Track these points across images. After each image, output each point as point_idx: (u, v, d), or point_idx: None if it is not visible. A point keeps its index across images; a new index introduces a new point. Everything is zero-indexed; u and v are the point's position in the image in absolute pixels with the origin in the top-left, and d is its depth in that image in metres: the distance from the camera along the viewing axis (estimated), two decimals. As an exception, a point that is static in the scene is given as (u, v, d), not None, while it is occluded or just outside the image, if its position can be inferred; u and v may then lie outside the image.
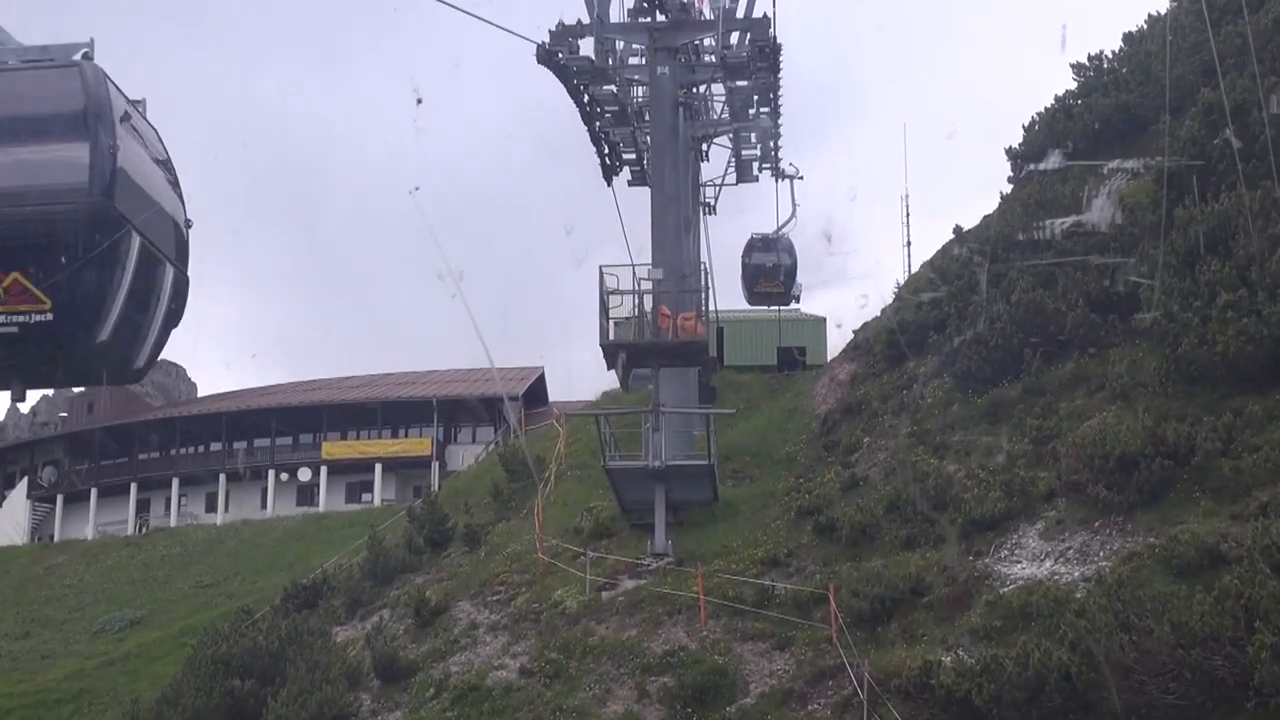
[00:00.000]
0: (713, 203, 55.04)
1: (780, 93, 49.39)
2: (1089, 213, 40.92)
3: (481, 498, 52.24)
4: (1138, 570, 29.02)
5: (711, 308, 64.02)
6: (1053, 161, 47.54)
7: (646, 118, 47.86)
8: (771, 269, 50.32)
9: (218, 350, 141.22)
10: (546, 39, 43.43)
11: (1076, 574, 30.49)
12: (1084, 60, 49.89)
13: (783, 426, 46.10)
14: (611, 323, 38.61)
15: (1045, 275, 39.89)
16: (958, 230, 48.52)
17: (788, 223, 50.40)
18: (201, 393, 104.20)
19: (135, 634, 62.45)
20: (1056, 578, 30.60)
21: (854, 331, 49.08)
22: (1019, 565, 31.83)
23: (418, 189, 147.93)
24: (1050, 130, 48.60)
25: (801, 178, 50.21)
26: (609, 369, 43.84)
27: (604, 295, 38.43)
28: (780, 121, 52.14)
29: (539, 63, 44.15)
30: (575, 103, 48.19)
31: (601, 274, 38.76)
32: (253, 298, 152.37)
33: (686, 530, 40.15)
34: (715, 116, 51.23)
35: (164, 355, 12.48)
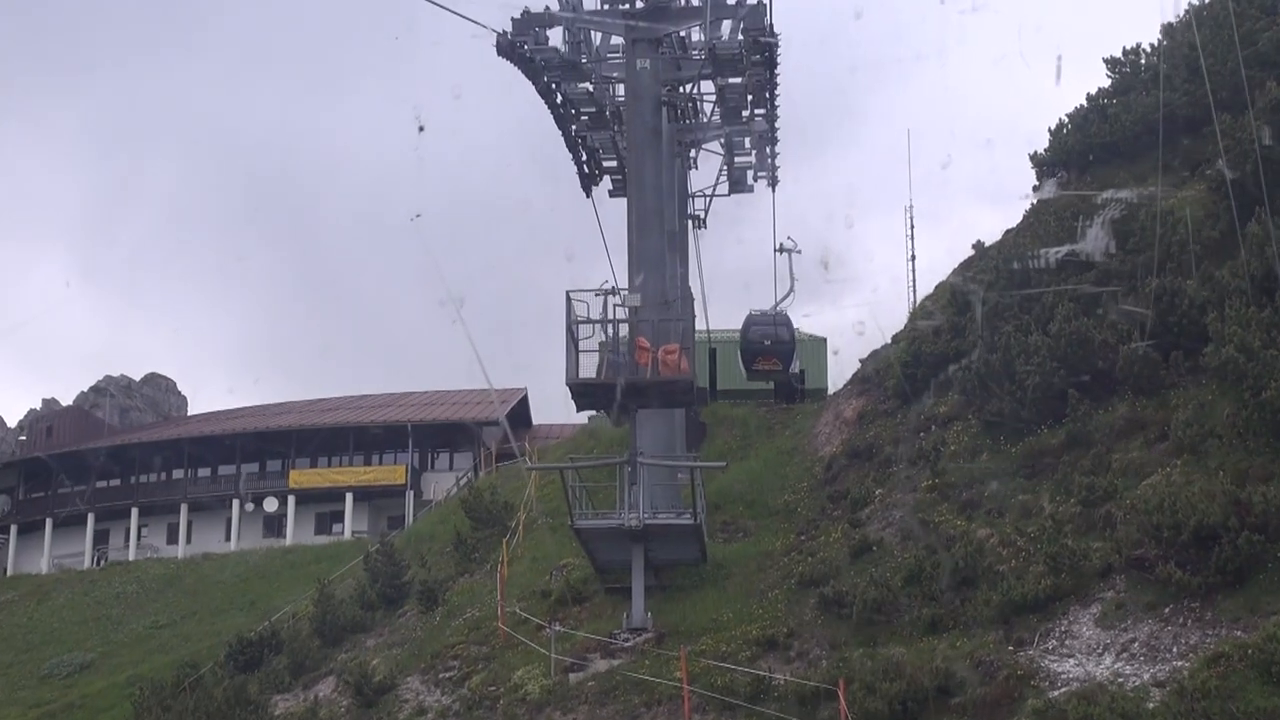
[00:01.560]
0: (702, 215, 48.45)
1: (778, 92, 42.99)
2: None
3: (443, 545, 45.87)
4: (1226, 676, 22.62)
5: (702, 327, 58.57)
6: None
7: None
8: (770, 347, 45.60)
9: (218, 370, 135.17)
10: (509, 28, 37.12)
11: (1146, 676, 24.03)
12: (1118, 55, 43.54)
13: (781, 470, 39.62)
14: (581, 357, 32.33)
15: (1088, 301, 33.48)
16: (979, 246, 42.11)
17: (786, 298, 46.32)
18: (193, 408, 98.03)
19: (83, 680, 57.00)
20: (1121, 680, 24.13)
21: (860, 361, 42.65)
22: (1071, 661, 25.38)
23: (419, 216, 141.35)
24: (1082, 133, 42.22)
25: (799, 251, 46.85)
26: (579, 411, 37.54)
27: (571, 325, 32.07)
28: (777, 125, 45.69)
29: (500, 54, 37.78)
30: (546, 103, 41.77)
31: (569, 300, 32.37)
32: (254, 317, 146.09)
33: (670, 597, 33.77)
34: (704, 119, 44.67)
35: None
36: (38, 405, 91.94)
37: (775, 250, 46.46)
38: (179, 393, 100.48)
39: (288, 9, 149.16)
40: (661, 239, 37.75)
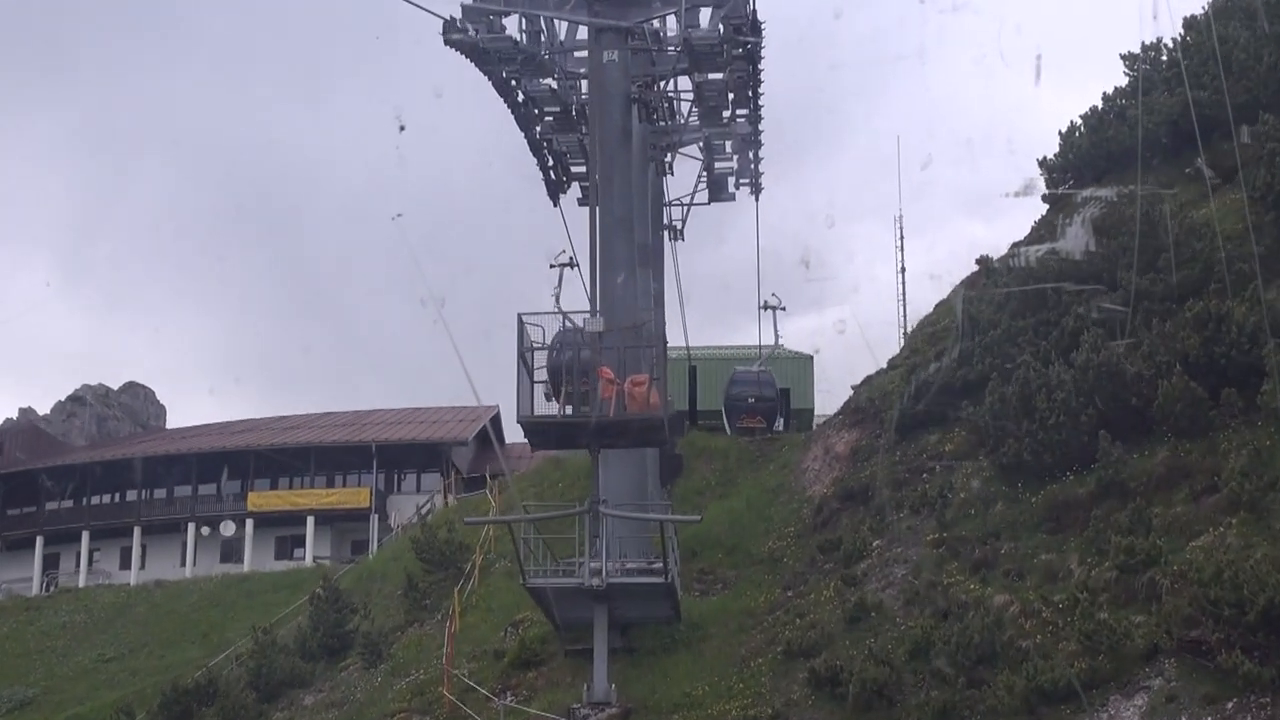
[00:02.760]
0: (680, 226, 43.62)
1: (761, 90, 38.28)
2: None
3: (396, 586, 40.97)
4: (1313, 797, 17.95)
5: (680, 343, 53.89)
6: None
7: (600, 121, 36.56)
8: (754, 405, 44.30)
9: (198, 373, 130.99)
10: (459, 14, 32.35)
11: (1209, 791, 19.38)
12: (1136, 50, 38.88)
13: (765, 511, 34.85)
14: (537, 389, 27.56)
15: (1116, 322, 28.75)
16: (984, 261, 37.40)
17: (770, 352, 45.05)
18: (173, 413, 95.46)
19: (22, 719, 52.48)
20: (1178, 795, 19.48)
21: (852, 389, 37.82)
22: (1114, 765, 20.71)
23: (400, 215, 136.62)
24: (1097, 137, 37.51)
25: (784, 308, 45.68)
26: (534, 450, 32.77)
27: (524, 353, 27.27)
28: (761, 128, 40.96)
29: (447, 43, 33.00)
30: (506, 102, 37.00)
31: (521, 324, 27.58)
32: (234, 321, 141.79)
33: (638, 662, 28.95)
34: (681, 120, 39.87)
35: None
36: (14, 415, 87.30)
37: (759, 307, 44.83)
38: (157, 402, 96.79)
39: (269, 10, 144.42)
40: (631, 252, 33.00)
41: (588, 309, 28.31)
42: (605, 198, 32.51)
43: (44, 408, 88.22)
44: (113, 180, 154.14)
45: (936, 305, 37.93)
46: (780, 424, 45.52)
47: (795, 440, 39.43)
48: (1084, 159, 38.25)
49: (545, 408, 27.28)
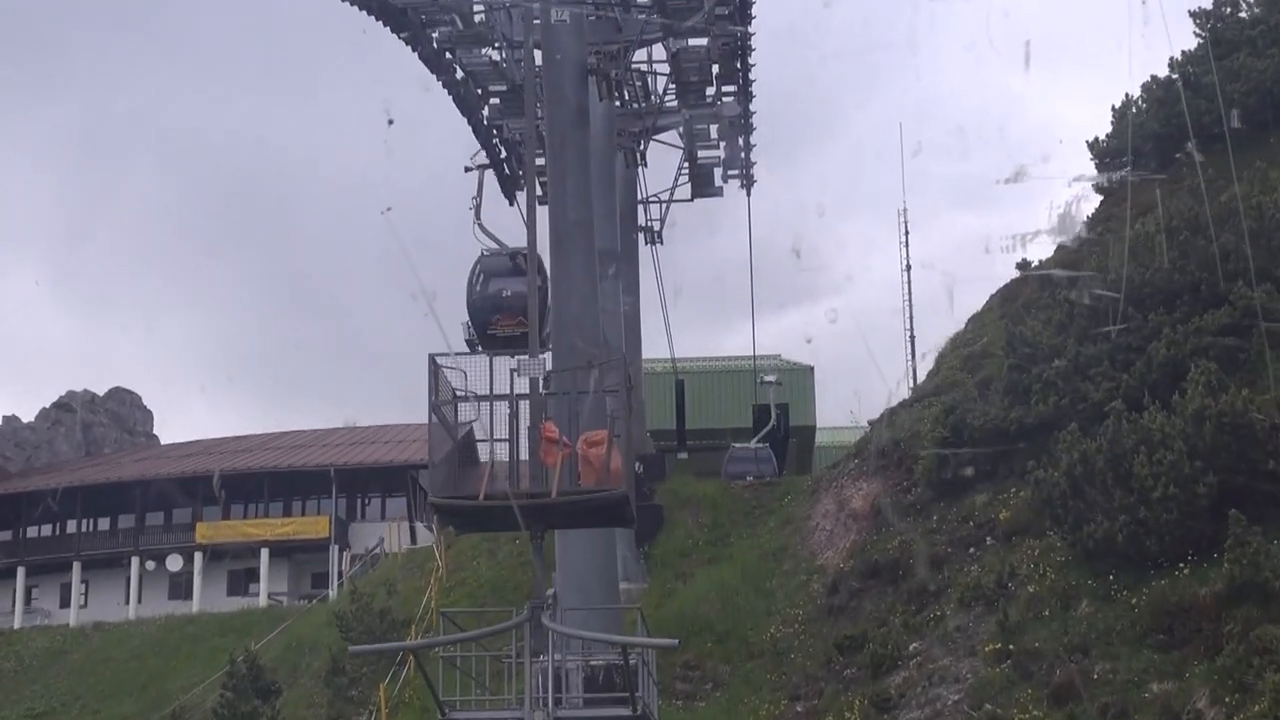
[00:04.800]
0: (658, 227, 35.85)
1: (751, 61, 30.64)
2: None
3: (319, 668, 33.21)
4: None
5: (666, 355, 46.59)
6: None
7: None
8: (752, 484, 37.77)
9: (191, 371, 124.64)
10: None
11: None
12: (1207, 5, 31.10)
13: (765, 583, 27.02)
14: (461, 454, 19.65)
15: (1224, 354, 21.01)
16: (1024, 267, 29.64)
17: (767, 430, 40.80)
18: (160, 422, 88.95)
19: (-65, 789, 45.65)
20: None
21: (868, 424, 30.04)
22: None
23: (390, 209, 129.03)
24: (1163, 111, 29.75)
25: (780, 384, 43.00)
26: (458, 534, 24.98)
27: (436, 408, 19.49)
28: (753, 108, 33.27)
29: (360, 7, 25.32)
30: (440, 78, 29.42)
31: (433, 366, 19.78)
32: (226, 317, 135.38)
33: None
34: (656, 100, 32.13)
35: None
36: None
37: (756, 381, 42.39)
38: (144, 407, 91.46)
39: (255, 6, 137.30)
40: (589, 264, 25.20)
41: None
42: (557, 195, 24.88)
43: (29, 414, 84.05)
44: (102, 179, 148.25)
45: (969, 320, 30.10)
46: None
47: (799, 486, 31.54)
48: (1145, 139, 30.48)
49: (468, 484, 19.45)
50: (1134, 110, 31.30)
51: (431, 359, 19.22)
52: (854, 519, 26.50)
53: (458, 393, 18.94)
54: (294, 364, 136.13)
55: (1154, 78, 31.59)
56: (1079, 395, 22.25)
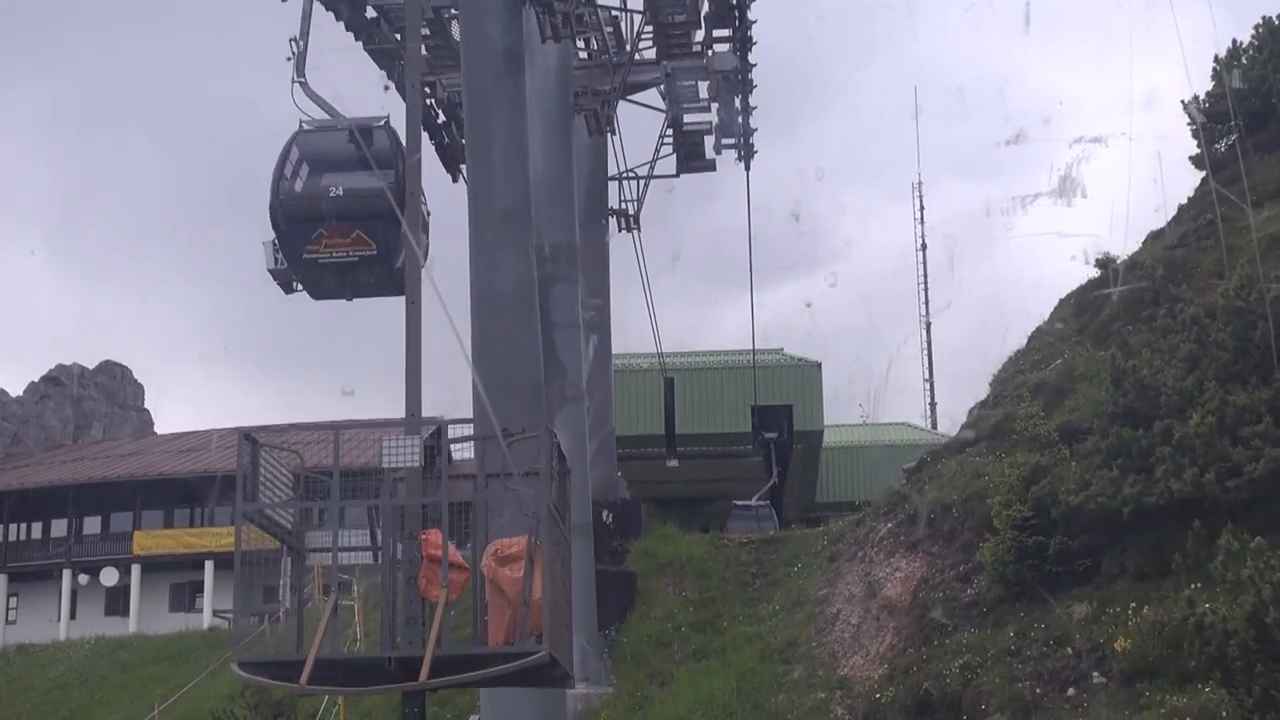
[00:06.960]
0: (634, 210, 28.01)
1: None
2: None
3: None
4: None
5: (653, 350, 41.68)
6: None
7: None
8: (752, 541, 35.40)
9: (187, 342, 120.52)
10: None
11: None
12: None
13: (767, 699, 19.49)
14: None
15: None
16: (1106, 263, 22.15)
17: (768, 486, 38.59)
18: (151, 395, 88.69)
19: None
20: None
21: (904, 474, 22.46)
22: None
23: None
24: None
25: (779, 436, 40.95)
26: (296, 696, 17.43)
27: (252, 516, 12.10)
28: (751, 61, 25.56)
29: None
30: (345, 21, 21.89)
31: (254, 449, 12.32)
32: (222, 291, 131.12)
33: None
34: (629, 50, 24.47)
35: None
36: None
37: (754, 436, 39.65)
38: (135, 381, 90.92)
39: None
40: (526, 266, 17.62)
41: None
42: (479, 173, 17.35)
43: (19, 389, 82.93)
44: (100, 154, 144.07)
45: (1031, 334, 22.49)
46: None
47: (812, 544, 23.94)
48: (1255, 98, 22.99)
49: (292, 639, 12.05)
50: (1241, 61, 23.74)
51: (244, 439, 11.97)
52: (889, 612, 19.02)
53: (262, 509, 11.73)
54: (289, 335, 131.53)
55: (1264, 17, 24.04)
56: (1227, 466, 14.71)
